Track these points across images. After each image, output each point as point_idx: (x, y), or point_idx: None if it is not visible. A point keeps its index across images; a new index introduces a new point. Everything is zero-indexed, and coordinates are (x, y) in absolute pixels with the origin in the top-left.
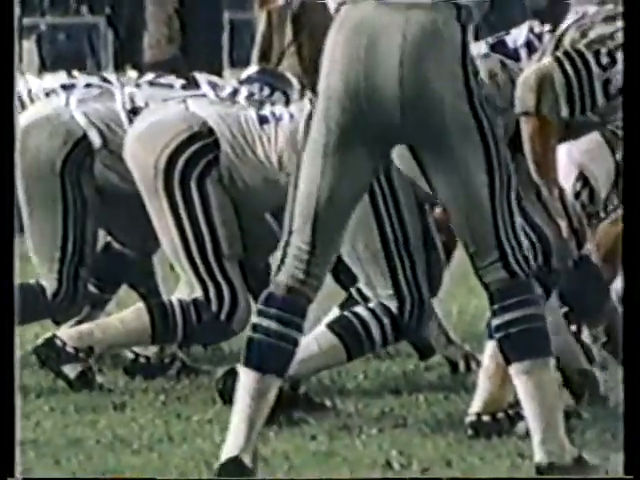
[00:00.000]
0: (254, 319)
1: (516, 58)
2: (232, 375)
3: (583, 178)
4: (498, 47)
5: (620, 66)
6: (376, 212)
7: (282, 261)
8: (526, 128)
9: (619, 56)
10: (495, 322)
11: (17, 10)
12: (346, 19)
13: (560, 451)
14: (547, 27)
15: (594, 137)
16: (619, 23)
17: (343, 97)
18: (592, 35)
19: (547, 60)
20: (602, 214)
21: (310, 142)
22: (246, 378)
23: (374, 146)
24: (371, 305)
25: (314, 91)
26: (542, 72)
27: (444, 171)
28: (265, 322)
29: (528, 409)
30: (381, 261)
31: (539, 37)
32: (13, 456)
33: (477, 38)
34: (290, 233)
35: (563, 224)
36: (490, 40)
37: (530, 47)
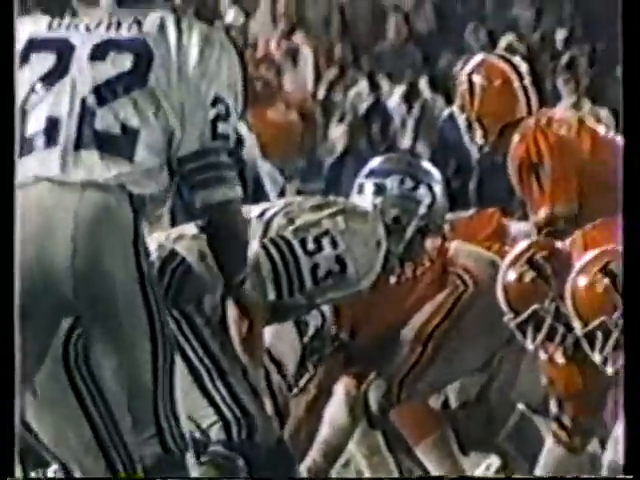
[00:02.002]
0: None
1: None
2: None
3: (269, 354)
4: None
5: (328, 251)
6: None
7: None
8: (232, 310)
9: (325, 242)
10: None
11: (17, 9)
12: (23, 201)
13: None
14: (255, 212)
15: None
16: (325, 212)
17: (20, 273)
18: (299, 222)
19: (255, 246)
20: (294, 389)
21: None
22: None
23: (52, 318)
24: None
25: None
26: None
27: (108, 346)
28: None
29: None
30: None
31: (247, 222)
32: (13, 456)
33: None
34: None
35: (268, 401)
36: (200, 222)
37: None
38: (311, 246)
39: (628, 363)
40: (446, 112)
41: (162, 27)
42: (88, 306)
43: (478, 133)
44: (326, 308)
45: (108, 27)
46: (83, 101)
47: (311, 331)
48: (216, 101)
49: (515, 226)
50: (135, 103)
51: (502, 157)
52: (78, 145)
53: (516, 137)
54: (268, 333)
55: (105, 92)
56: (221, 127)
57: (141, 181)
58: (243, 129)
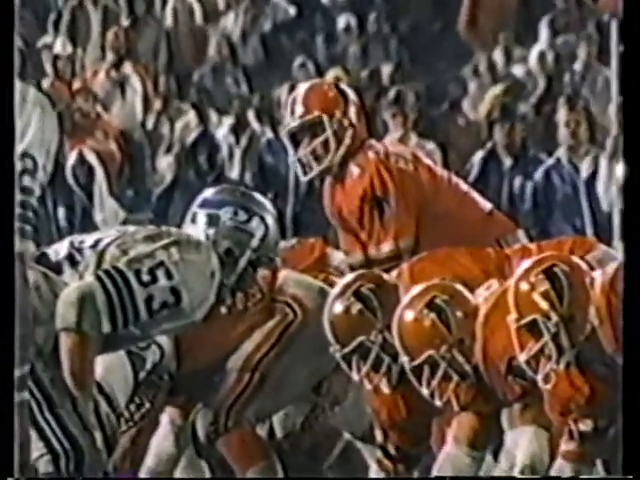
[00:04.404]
0: None
1: (58, 271)
2: None
3: (99, 388)
4: (41, 260)
5: (163, 282)
6: None
7: None
8: (66, 343)
9: (160, 273)
10: None
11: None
12: None
13: None
14: (88, 242)
15: (118, 354)
16: (158, 243)
17: None
18: (133, 253)
19: (88, 278)
20: (129, 422)
21: None
22: None
23: None
24: None
25: None
26: (83, 290)
27: None
28: None
29: None
30: None
31: (80, 251)
32: (13, 456)
33: None
34: None
35: (98, 435)
36: (34, 252)
37: (72, 261)
38: (146, 277)
39: (626, 364)
40: (265, 138)
41: None
42: None
43: (331, 149)
44: (165, 341)
45: None
46: None
47: (148, 366)
48: (24, 156)
49: (336, 255)
50: None
51: (337, 182)
52: None
53: (355, 169)
54: (99, 366)
55: None
56: (26, 181)
57: None
58: (95, 162)
